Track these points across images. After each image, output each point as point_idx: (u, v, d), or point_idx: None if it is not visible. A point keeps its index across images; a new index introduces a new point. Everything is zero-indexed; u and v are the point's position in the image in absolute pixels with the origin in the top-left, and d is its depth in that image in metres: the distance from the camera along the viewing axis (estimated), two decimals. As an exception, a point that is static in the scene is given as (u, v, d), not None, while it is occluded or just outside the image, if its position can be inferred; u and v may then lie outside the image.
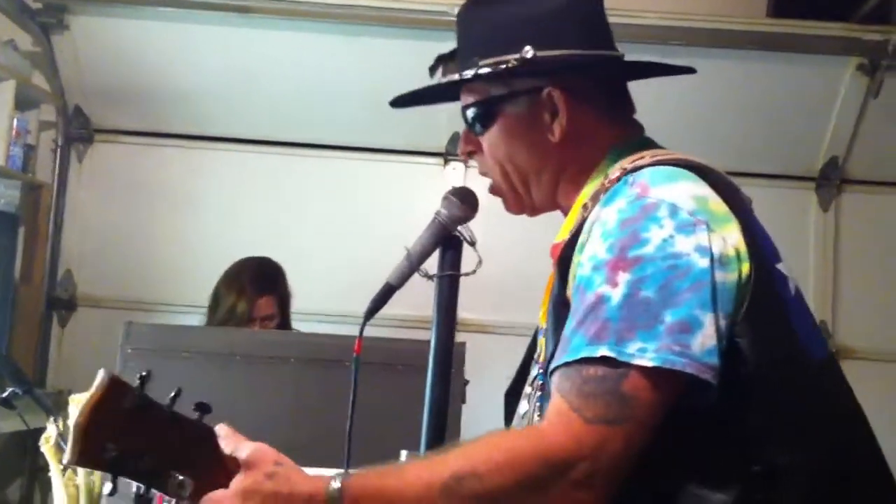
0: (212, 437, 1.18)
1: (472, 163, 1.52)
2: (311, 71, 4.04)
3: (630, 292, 1.16)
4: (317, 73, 4.04)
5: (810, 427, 1.20)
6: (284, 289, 3.29)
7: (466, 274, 1.61)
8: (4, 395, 2.16)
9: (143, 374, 1.11)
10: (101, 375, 1.09)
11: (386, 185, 4.22)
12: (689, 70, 1.47)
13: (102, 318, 4.04)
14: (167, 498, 1.17)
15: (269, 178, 4.24)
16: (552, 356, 1.23)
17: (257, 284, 3.23)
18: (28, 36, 4.05)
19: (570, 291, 1.25)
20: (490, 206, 1.57)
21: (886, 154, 4.16)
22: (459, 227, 1.61)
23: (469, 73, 1.40)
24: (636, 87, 1.48)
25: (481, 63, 1.39)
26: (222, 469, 1.16)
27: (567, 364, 1.18)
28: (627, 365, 1.14)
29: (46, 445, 1.98)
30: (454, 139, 4.03)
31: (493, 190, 1.49)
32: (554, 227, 1.44)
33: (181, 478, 1.12)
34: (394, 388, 2.11)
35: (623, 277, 1.17)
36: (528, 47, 1.36)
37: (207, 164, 4.25)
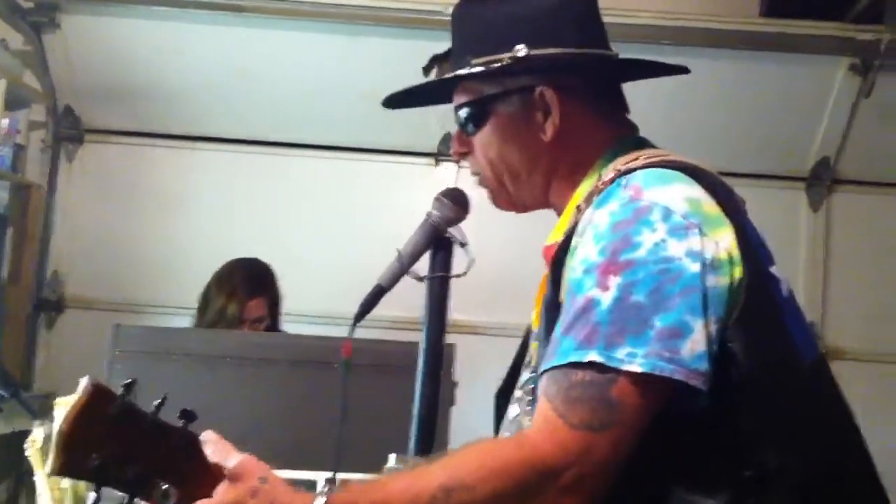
0: (197, 445, 1.17)
1: (464, 163, 1.52)
2: (303, 71, 4.03)
3: (621, 296, 1.16)
4: (309, 72, 4.03)
5: (801, 430, 1.20)
6: (275, 291, 3.28)
7: (457, 276, 1.60)
8: (-10, 397, 2.15)
9: (128, 381, 1.10)
10: (84, 383, 1.08)
11: (376, 184, 4.21)
12: (683, 69, 1.45)
13: (91, 320, 4.01)
14: None
15: (259, 178, 4.22)
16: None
17: (248, 286, 3.21)
18: (19, 35, 4.03)
19: (563, 295, 1.24)
20: (482, 207, 1.56)
21: (878, 154, 4.16)
22: (451, 229, 1.60)
23: (462, 72, 1.40)
24: (628, 87, 1.48)
25: (474, 62, 1.39)
26: (207, 477, 1.15)
27: (555, 367, 1.17)
28: (616, 370, 1.13)
29: (32, 449, 1.96)
30: (446, 139, 4.02)
31: (482, 183, 1.48)
32: (545, 226, 1.43)
33: (165, 486, 1.11)
34: (383, 389, 2.09)
35: (614, 281, 1.16)
36: (520, 46, 1.36)
37: (198, 165, 4.24)
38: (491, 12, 1.41)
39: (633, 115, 1.46)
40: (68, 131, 4.23)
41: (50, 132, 4.23)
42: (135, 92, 4.12)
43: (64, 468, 1.07)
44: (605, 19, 1.45)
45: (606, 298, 1.16)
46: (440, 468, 1.16)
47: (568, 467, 1.12)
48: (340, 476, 1.45)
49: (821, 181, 4.21)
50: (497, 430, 1.44)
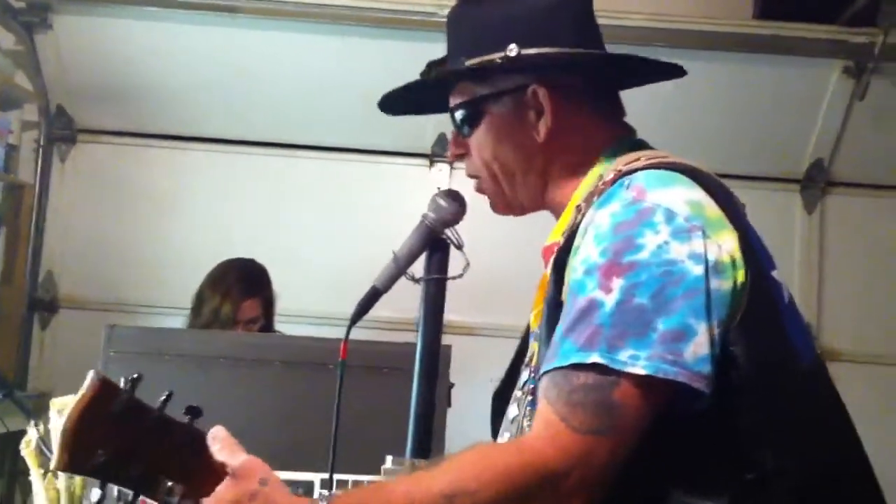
0: (202, 442, 1.16)
1: (459, 164, 1.51)
2: (298, 71, 4.03)
3: (624, 298, 1.15)
4: (303, 73, 4.03)
5: (800, 432, 1.20)
6: (269, 291, 3.27)
7: (453, 277, 1.60)
8: (-16, 398, 2.14)
9: (135, 376, 1.09)
10: (90, 377, 1.07)
11: (371, 185, 4.20)
12: (678, 69, 1.45)
13: (84, 320, 4.00)
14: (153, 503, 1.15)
15: (251, 178, 4.22)
16: None
17: (243, 287, 3.21)
18: (10, 35, 4.01)
19: (565, 296, 1.23)
20: (477, 207, 1.56)
21: (872, 156, 4.17)
22: (447, 230, 1.60)
23: (451, 69, 1.40)
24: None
25: (467, 63, 1.38)
26: (211, 475, 1.14)
27: (556, 369, 1.16)
28: (618, 373, 1.13)
29: (27, 449, 1.95)
30: (440, 140, 4.02)
31: (480, 189, 1.48)
32: (541, 227, 1.43)
33: (170, 483, 1.10)
34: (379, 391, 2.09)
35: (617, 283, 1.16)
36: (512, 45, 1.35)
37: (191, 165, 4.23)
38: (486, 14, 1.40)
39: (628, 117, 1.45)
40: (61, 131, 4.21)
41: (42, 132, 4.22)
42: (127, 92, 4.11)
43: (69, 464, 1.06)
44: (599, 21, 1.44)
45: (609, 300, 1.15)
46: (441, 473, 1.15)
47: (570, 471, 1.12)
48: (336, 477, 1.44)
49: (815, 183, 4.22)
50: (495, 430, 1.43)
